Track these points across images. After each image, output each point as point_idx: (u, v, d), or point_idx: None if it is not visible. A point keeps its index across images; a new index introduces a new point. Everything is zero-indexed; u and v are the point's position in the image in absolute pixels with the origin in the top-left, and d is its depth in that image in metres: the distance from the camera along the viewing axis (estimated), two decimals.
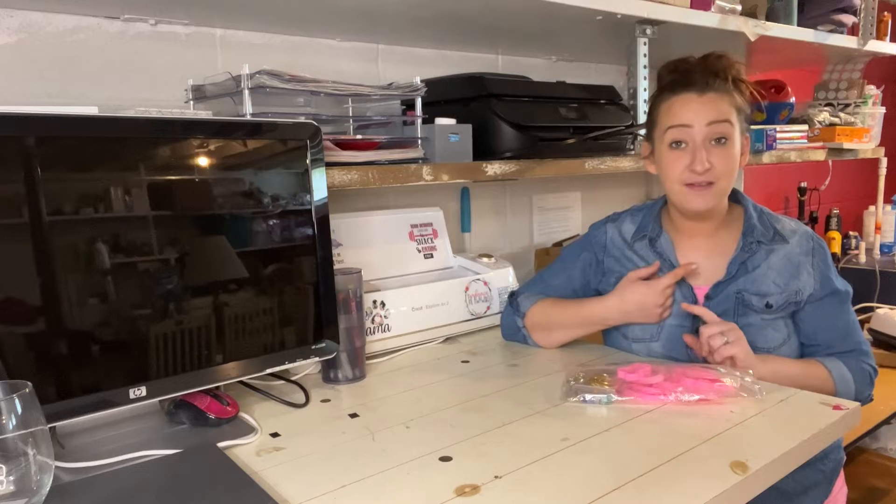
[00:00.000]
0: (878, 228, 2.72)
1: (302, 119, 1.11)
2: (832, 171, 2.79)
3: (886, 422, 1.66)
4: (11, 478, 0.64)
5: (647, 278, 1.21)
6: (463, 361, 1.29)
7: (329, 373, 1.19)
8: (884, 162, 2.49)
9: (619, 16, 1.44)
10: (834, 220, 2.88)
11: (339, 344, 1.15)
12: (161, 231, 0.94)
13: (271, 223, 1.06)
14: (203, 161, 0.99)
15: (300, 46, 1.47)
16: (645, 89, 1.68)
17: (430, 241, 1.57)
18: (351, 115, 1.32)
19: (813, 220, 2.81)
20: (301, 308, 1.10)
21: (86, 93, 1.22)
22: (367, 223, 1.47)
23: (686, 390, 1.03)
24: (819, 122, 2.21)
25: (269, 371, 1.07)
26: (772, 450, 0.86)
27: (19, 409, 0.66)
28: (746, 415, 0.97)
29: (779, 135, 2.00)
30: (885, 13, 2.29)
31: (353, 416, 1.03)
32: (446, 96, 1.45)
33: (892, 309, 1.99)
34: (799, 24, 1.94)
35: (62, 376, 0.86)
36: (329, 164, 1.13)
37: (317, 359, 1.13)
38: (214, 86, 1.22)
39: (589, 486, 0.79)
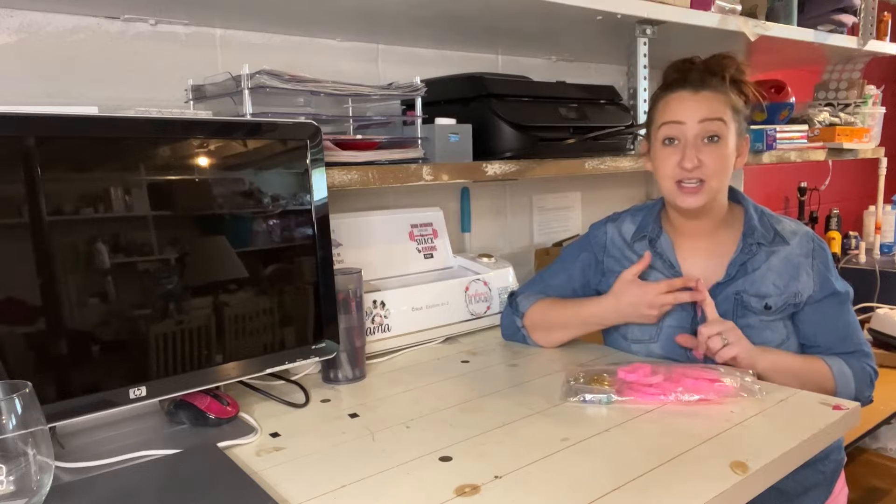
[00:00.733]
0: (878, 228, 2.72)
1: (302, 119, 1.11)
2: (832, 171, 2.79)
3: (886, 422, 1.66)
4: (11, 478, 0.64)
5: (643, 276, 1.22)
6: (463, 361, 1.29)
7: (329, 373, 1.19)
8: (884, 162, 2.49)
9: (619, 16, 1.44)
10: (834, 220, 2.88)
11: (339, 344, 1.15)
12: (161, 231, 0.94)
13: (271, 223, 1.06)
14: (203, 161, 0.99)
15: (300, 46, 1.47)
16: (645, 89, 1.68)
17: (430, 241, 1.57)
18: (351, 115, 1.32)
19: (813, 220, 2.81)
20: (301, 308, 1.10)
21: (86, 93, 1.22)
22: (367, 223, 1.47)
23: (686, 390, 1.03)
24: (819, 122, 2.21)
25: (269, 371, 1.07)
26: (772, 450, 0.86)
27: (19, 409, 0.66)
28: (746, 415, 0.97)
29: (779, 135, 2.00)
30: (885, 13, 2.29)
31: (353, 416, 1.03)
32: (446, 96, 1.45)
33: (892, 309, 1.99)
34: (799, 24, 1.94)
35: (62, 376, 0.86)
36: (329, 164, 1.13)
37: (317, 359, 1.13)
38: (214, 86, 1.22)
39: (589, 486, 0.79)
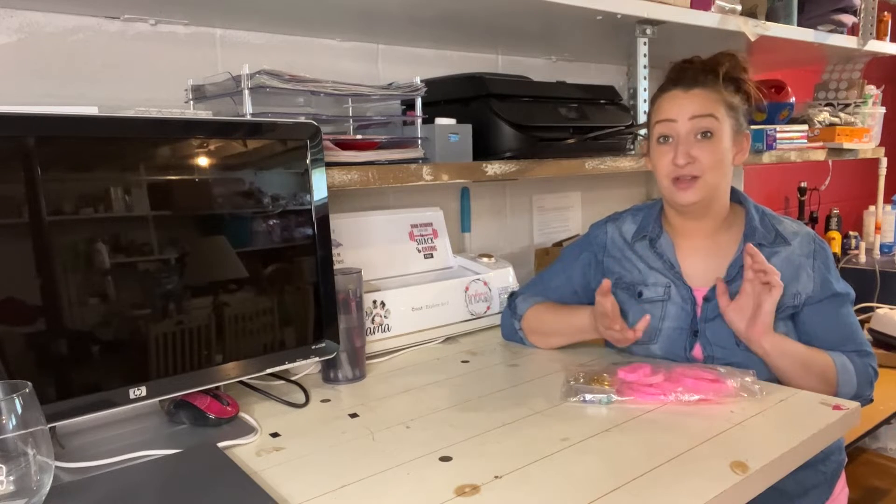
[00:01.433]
0: (878, 228, 2.72)
1: (302, 119, 1.11)
2: (832, 171, 2.79)
3: (886, 422, 1.66)
4: (11, 478, 0.64)
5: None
6: (463, 361, 1.29)
7: (329, 373, 1.19)
8: (884, 162, 2.49)
9: (619, 16, 1.44)
10: (834, 220, 2.88)
11: (339, 344, 1.15)
12: (161, 231, 0.94)
13: (271, 223, 1.06)
14: (203, 161, 0.99)
15: (300, 46, 1.47)
16: (645, 89, 1.68)
17: (430, 241, 1.57)
18: (351, 115, 1.32)
19: (813, 220, 2.81)
20: (301, 308, 1.10)
21: (86, 93, 1.22)
22: (367, 223, 1.47)
23: (686, 390, 1.03)
24: (819, 122, 2.21)
25: (269, 371, 1.07)
26: (772, 450, 0.86)
27: (19, 409, 0.66)
28: (746, 415, 0.97)
29: (779, 135, 2.00)
30: (885, 13, 2.29)
31: (353, 416, 1.03)
32: (446, 96, 1.45)
33: (892, 309, 1.99)
34: (799, 24, 1.94)
35: (62, 376, 0.86)
36: (329, 164, 1.13)
37: (317, 359, 1.13)
38: (214, 86, 1.22)
39: (589, 486, 0.79)
